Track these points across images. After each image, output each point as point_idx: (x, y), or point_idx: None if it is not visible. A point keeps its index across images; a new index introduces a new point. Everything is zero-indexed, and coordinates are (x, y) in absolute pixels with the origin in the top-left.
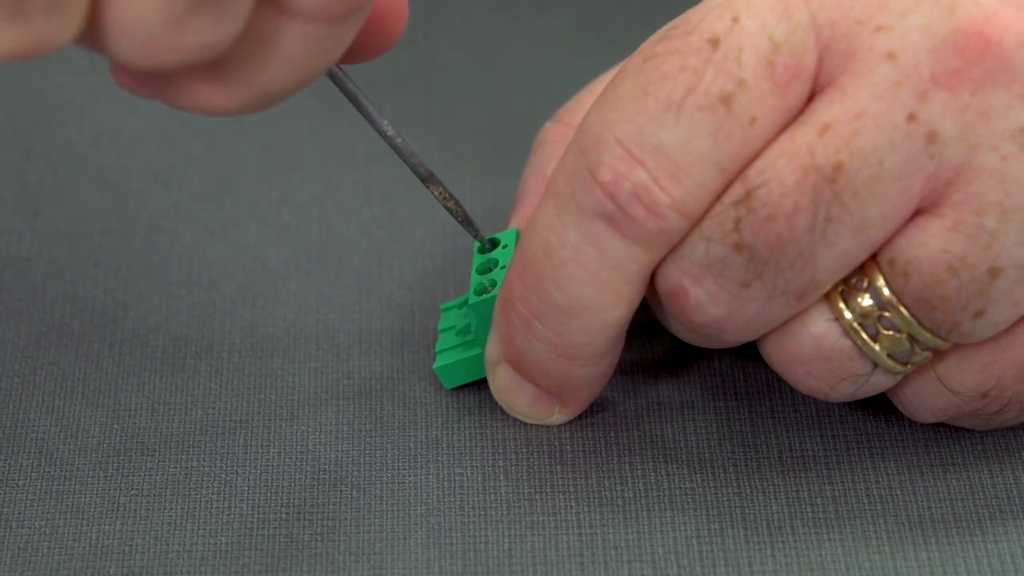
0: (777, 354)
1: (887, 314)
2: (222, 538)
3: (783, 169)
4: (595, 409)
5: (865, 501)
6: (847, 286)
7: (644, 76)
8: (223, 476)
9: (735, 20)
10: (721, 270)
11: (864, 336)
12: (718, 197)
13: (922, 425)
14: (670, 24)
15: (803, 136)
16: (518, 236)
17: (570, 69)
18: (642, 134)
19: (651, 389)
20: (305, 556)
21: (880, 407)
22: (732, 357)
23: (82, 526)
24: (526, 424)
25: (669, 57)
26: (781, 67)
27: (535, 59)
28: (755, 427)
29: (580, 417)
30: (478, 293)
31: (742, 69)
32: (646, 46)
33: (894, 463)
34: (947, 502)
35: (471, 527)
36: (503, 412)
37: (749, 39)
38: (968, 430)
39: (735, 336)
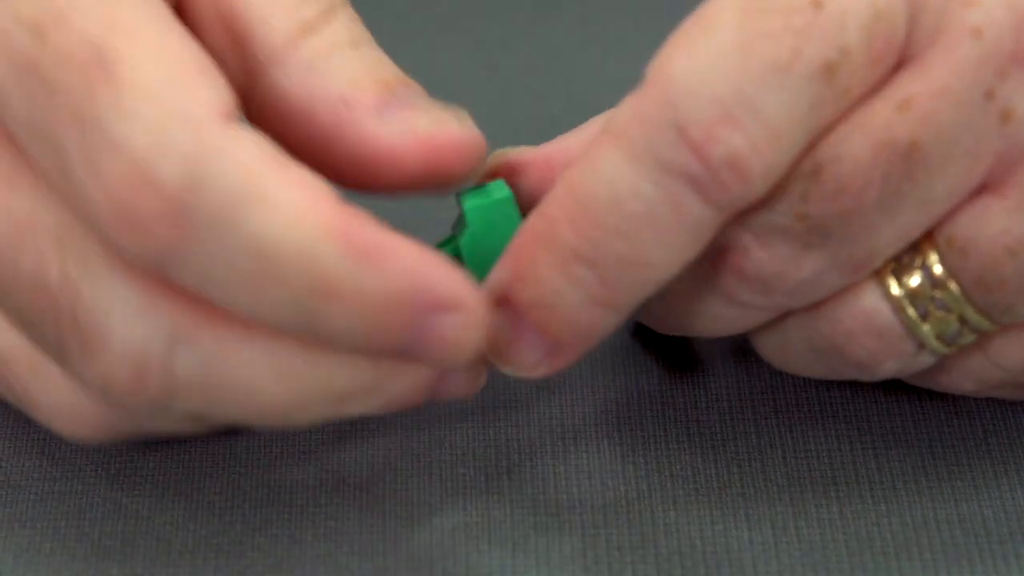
0: (829, 328)
1: (938, 294)
2: (225, 539)
3: (858, 144)
4: (598, 410)
5: (869, 502)
6: (898, 264)
7: (743, 32)
8: (226, 477)
9: None
10: (783, 236)
11: (913, 314)
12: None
13: (926, 425)
14: None
15: (882, 111)
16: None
17: (575, 71)
18: (742, 95)
19: (654, 390)
20: (308, 556)
21: (886, 406)
22: (735, 358)
23: (84, 526)
24: (529, 425)
25: (771, 15)
26: (881, 39)
27: (540, 61)
28: (759, 427)
29: (583, 418)
30: (472, 197)
31: (846, 37)
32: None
33: (898, 464)
34: (951, 503)
35: (474, 528)
36: (506, 412)
37: (852, 5)
38: (973, 430)
39: (783, 300)
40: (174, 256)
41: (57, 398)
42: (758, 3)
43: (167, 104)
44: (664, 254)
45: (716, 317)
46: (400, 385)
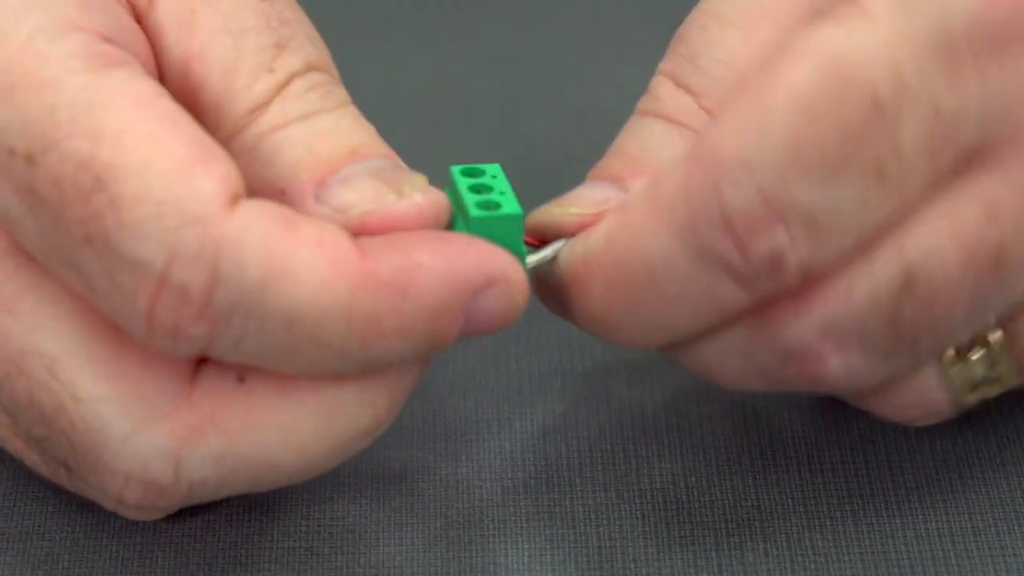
0: (878, 404)
1: (991, 372)
2: (242, 550)
3: (948, 252)
4: (614, 422)
5: (884, 515)
6: (959, 348)
7: (798, 121)
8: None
9: (901, 81)
10: (866, 345)
11: (965, 393)
12: (848, 256)
13: (940, 438)
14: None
15: (967, 215)
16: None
17: (587, 77)
18: (789, 190)
19: (668, 403)
20: (325, 569)
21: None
22: None
23: (103, 538)
24: (544, 438)
25: (827, 107)
26: (941, 139)
27: (550, 65)
28: (774, 440)
29: (598, 430)
30: (481, 208)
31: (902, 137)
32: (803, 80)
33: (912, 476)
34: (966, 515)
35: (490, 541)
36: (521, 425)
37: (913, 105)
38: (987, 443)
39: (840, 391)
40: (217, 345)
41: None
42: (819, 91)
43: (170, 209)
44: (687, 324)
45: (739, 381)
46: (411, 383)
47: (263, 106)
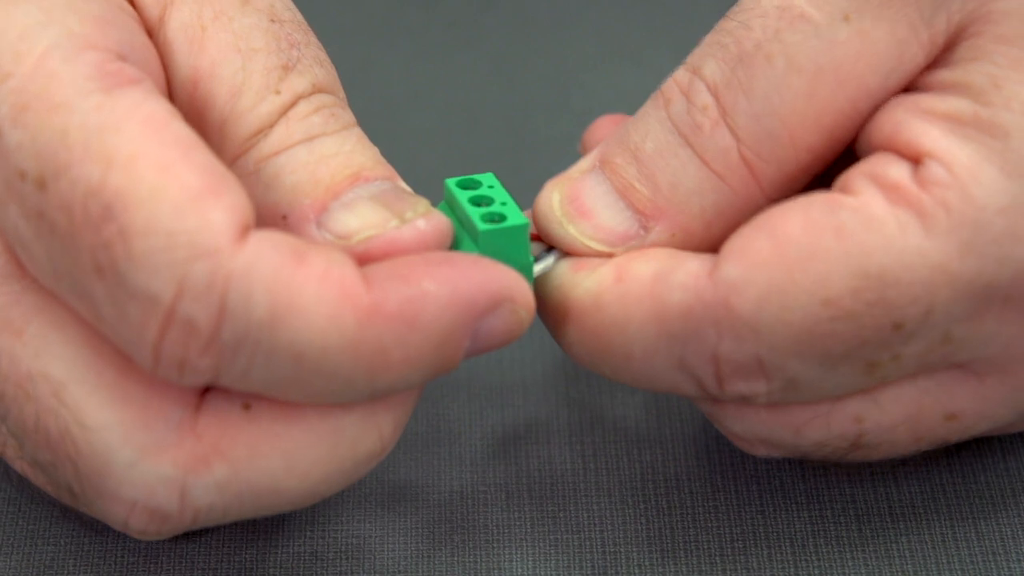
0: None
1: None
2: (247, 555)
3: (900, 432)
4: (618, 428)
5: (888, 520)
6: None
7: (819, 318)
8: None
9: (929, 313)
10: (802, 455)
11: None
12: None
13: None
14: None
15: (930, 413)
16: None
17: (592, 84)
18: (784, 364)
19: (673, 408)
20: (329, 574)
21: None
22: None
23: (108, 544)
24: (549, 442)
25: (851, 317)
26: (940, 356)
27: (557, 75)
28: None
29: (602, 436)
30: (487, 220)
31: (906, 349)
32: (839, 282)
33: (917, 482)
34: (970, 521)
35: (495, 545)
36: (527, 430)
37: (929, 330)
38: (991, 449)
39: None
40: (223, 378)
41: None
42: (847, 303)
43: (180, 240)
44: (649, 387)
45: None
46: (410, 406)
47: (267, 128)
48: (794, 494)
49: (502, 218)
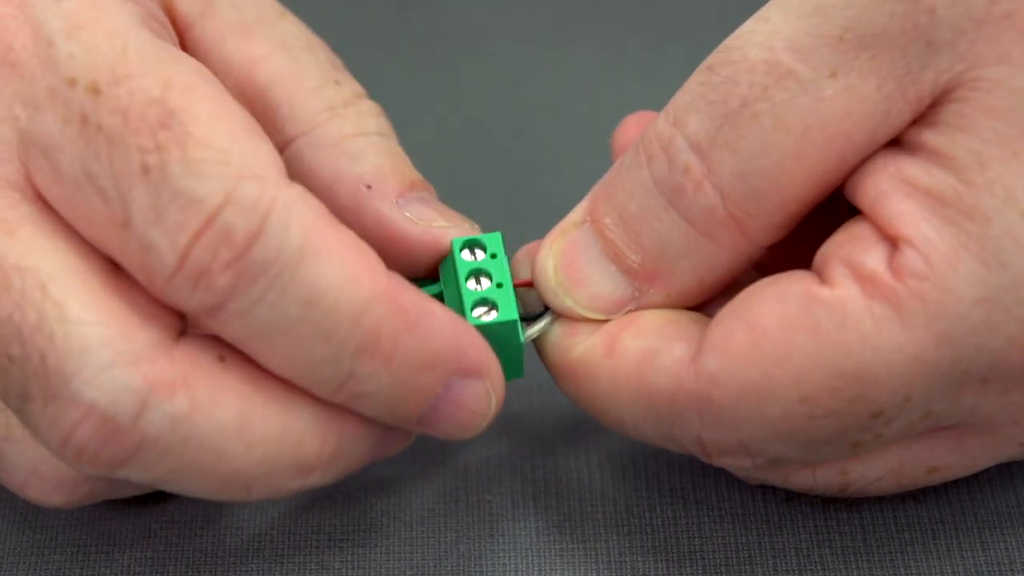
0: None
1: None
2: (253, 565)
3: (885, 483)
4: (623, 438)
5: (893, 529)
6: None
7: (799, 413)
8: (253, 504)
9: (907, 399)
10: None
11: None
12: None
13: None
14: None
15: (912, 468)
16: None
17: (597, 94)
18: (767, 448)
19: None
20: None
21: None
22: None
23: (114, 553)
24: (555, 452)
25: (830, 413)
26: (922, 427)
27: (562, 85)
28: None
29: (608, 446)
30: (475, 306)
31: (888, 429)
32: (816, 381)
33: (921, 494)
34: (974, 531)
35: (500, 555)
36: (532, 440)
37: (909, 412)
38: None
39: None
40: (230, 304)
41: (29, 463)
42: (824, 400)
43: (234, 159)
44: (639, 439)
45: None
46: (357, 452)
47: (336, 108)
48: (799, 504)
49: (494, 306)
